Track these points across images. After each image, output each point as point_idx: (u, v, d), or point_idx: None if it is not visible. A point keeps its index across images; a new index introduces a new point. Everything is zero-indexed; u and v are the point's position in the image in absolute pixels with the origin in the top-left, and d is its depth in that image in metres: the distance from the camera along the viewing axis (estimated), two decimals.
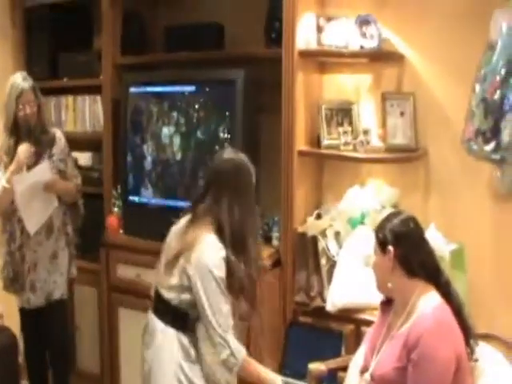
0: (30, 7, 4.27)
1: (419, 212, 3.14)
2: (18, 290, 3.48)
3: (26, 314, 3.55)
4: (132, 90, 3.73)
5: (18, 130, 3.36)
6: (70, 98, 4.21)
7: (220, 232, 2.39)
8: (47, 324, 3.61)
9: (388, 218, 2.40)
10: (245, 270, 2.46)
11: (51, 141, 3.49)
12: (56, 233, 3.53)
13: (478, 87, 2.78)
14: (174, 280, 2.47)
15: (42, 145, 3.44)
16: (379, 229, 2.40)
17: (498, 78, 2.66)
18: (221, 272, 2.37)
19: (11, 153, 3.34)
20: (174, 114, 3.57)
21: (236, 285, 2.43)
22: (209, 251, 2.36)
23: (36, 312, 3.53)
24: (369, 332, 2.66)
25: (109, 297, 3.84)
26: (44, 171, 3.40)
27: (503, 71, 2.65)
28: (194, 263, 2.37)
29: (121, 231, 3.85)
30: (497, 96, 2.67)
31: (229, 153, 2.57)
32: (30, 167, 3.34)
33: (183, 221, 2.56)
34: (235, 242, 2.41)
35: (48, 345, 3.67)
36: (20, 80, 3.34)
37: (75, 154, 4.10)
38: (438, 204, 3.27)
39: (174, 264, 2.45)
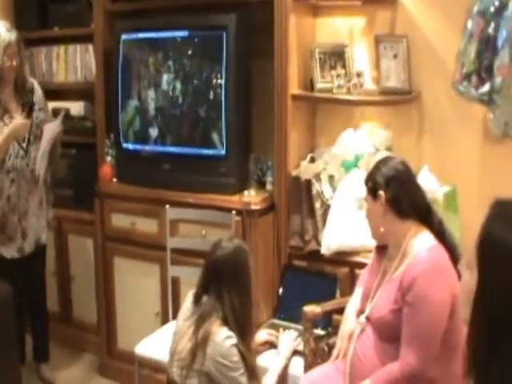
0: None
1: (413, 154, 3.18)
2: (5, 241, 3.48)
3: (14, 264, 3.52)
4: (124, 37, 3.69)
5: (1, 80, 3.37)
6: (62, 48, 4.16)
7: (226, 322, 2.44)
8: (34, 269, 3.67)
9: (377, 166, 2.42)
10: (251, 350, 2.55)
11: (31, 90, 3.54)
12: (41, 179, 3.57)
13: (469, 23, 2.76)
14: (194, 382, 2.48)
15: (25, 95, 3.50)
16: (369, 177, 2.42)
17: (491, 9, 2.63)
18: (236, 357, 2.41)
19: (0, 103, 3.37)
20: (166, 59, 3.54)
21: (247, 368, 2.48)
22: (222, 344, 2.39)
23: (24, 260, 3.55)
24: (363, 275, 2.69)
25: (104, 246, 3.85)
26: (56, 124, 3.54)
27: (497, 3, 2.62)
28: (210, 358, 2.40)
29: (114, 180, 3.85)
30: (490, 30, 2.65)
31: (226, 246, 2.54)
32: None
33: (187, 306, 2.58)
34: (240, 327, 2.46)
35: (30, 291, 3.70)
36: (5, 30, 3.31)
37: (67, 104, 4.08)
38: (432, 146, 3.28)
39: (190, 366, 2.45)
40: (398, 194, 2.34)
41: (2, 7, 4.29)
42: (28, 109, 3.48)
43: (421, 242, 2.32)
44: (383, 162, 2.44)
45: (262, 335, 3.01)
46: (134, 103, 3.69)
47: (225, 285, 2.47)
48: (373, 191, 2.38)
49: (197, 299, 2.54)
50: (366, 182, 2.43)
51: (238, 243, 2.58)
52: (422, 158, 3.24)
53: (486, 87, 2.86)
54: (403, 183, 2.37)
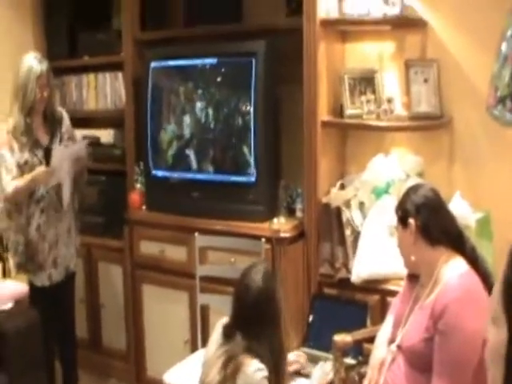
0: None
1: (444, 180, 3.13)
2: (36, 270, 3.48)
3: (43, 292, 3.52)
4: (153, 65, 3.72)
5: (32, 111, 3.39)
6: (92, 76, 4.20)
7: (258, 355, 2.40)
8: (64, 296, 3.66)
9: (407, 194, 2.39)
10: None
11: (60, 120, 3.56)
12: (69, 208, 3.57)
13: (504, 46, 2.72)
14: None
15: (54, 125, 3.51)
16: (399, 206, 2.39)
17: None
18: None
19: (29, 133, 3.37)
20: (196, 87, 3.56)
21: None
22: (253, 376, 2.36)
23: (54, 287, 3.55)
24: (394, 303, 2.63)
25: (133, 274, 3.85)
26: (81, 149, 3.53)
27: None
28: None
29: (144, 207, 3.86)
30: None
31: (257, 277, 2.49)
32: (44, 147, 3.39)
33: (217, 337, 2.54)
34: (273, 360, 2.43)
35: (59, 318, 3.68)
36: (37, 62, 3.34)
37: (97, 132, 4.11)
38: (464, 172, 3.22)
39: None
40: (428, 221, 2.30)
41: (33, 37, 4.36)
42: (57, 139, 3.50)
43: (453, 269, 2.27)
44: (413, 189, 2.40)
45: (290, 357, 2.96)
46: (163, 131, 3.70)
47: (257, 319, 2.44)
48: (403, 219, 2.35)
49: (228, 331, 2.50)
50: (397, 211, 2.40)
51: (267, 272, 2.54)
52: (454, 183, 3.19)
53: None
54: (433, 210, 2.32)
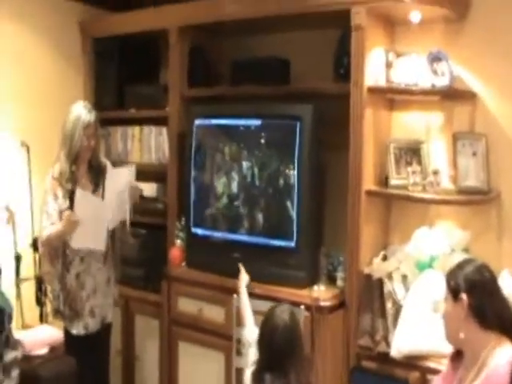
0: (101, 38, 4.35)
1: (492, 257, 3.03)
2: (72, 318, 3.50)
3: (78, 340, 3.52)
4: (197, 122, 3.73)
5: (78, 159, 3.43)
6: (137, 129, 4.24)
7: None
8: (101, 347, 3.66)
9: (460, 265, 2.31)
10: None
11: (104, 170, 3.58)
12: (109, 258, 3.60)
13: None
14: None
15: (98, 174, 3.54)
16: (451, 275, 2.30)
17: None
18: None
19: (73, 180, 3.40)
20: (239, 147, 3.56)
21: None
22: None
23: (90, 337, 3.55)
24: (436, 382, 2.55)
25: (169, 330, 3.83)
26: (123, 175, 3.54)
27: None
28: None
29: (183, 264, 3.84)
30: None
31: (282, 320, 2.53)
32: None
33: None
34: None
35: (94, 368, 3.66)
36: (86, 112, 3.40)
37: (141, 185, 4.11)
38: None
39: None
40: (482, 302, 2.22)
41: (83, 88, 4.43)
42: (100, 188, 3.51)
43: (501, 355, 2.18)
44: (467, 261, 2.33)
45: None
46: (205, 188, 3.70)
47: (286, 356, 2.44)
48: (454, 292, 2.26)
49: (256, 377, 2.48)
50: (448, 281, 2.31)
51: (292, 311, 2.58)
52: (502, 260, 3.10)
53: None
54: (488, 291, 2.24)
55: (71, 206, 3.31)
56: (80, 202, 3.29)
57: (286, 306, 2.63)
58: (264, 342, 2.53)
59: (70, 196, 3.33)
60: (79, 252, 3.44)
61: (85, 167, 3.50)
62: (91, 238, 3.41)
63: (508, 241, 3.16)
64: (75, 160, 3.41)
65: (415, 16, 3.18)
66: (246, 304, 3.14)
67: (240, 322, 3.30)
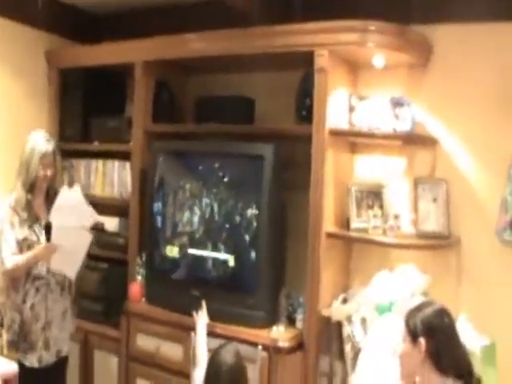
0: (67, 68, 4.31)
1: (450, 301, 3.01)
2: (27, 350, 3.42)
3: (32, 373, 3.43)
4: (161, 158, 3.72)
5: (34, 188, 3.39)
6: (100, 162, 4.20)
7: None
8: (56, 381, 3.57)
9: (420, 308, 2.32)
10: None
11: None
12: (66, 290, 3.52)
13: None
14: None
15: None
16: (410, 317, 2.31)
17: None
18: None
19: (28, 208, 3.36)
20: (202, 184, 3.55)
21: None
22: None
23: (45, 370, 3.47)
24: None
25: (127, 366, 3.77)
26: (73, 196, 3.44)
27: None
28: None
29: (143, 300, 3.80)
30: None
31: (228, 357, 2.55)
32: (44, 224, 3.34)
33: None
34: None
35: None
36: (43, 141, 3.37)
37: (103, 219, 4.07)
38: (470, 294, 3.17)
39: None
40: (440, 348, 2.22)
41: (47, 119, 4.38)
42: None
43: None
44: (426, 304, 2.35)
45: None
46: (167, 225, 3.68)
47: None
48: (413, 334, 2.26)
49: None
50: (407, 322, 2.31)
51: (237, 351, 2.57)
52: (460, 305, 3.11)
53: None
54: (447, 336, 2.25)
55: (48, 234, 3.26)
56: (58, 229, 3.26)
57: (232, 347, 2.62)
58: (209, 382, 2.52)
59: (46, 229, 3.27)
60: (34, 283, 3.38)
61: (42, 196, 3.45)
62: (67, 263, 3.38)
63: (466, 285, 3.19)
64: (31, 189, 3.37)
65: (378, 60, 3.21)
66: (201, 343, 3.11)
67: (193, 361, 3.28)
